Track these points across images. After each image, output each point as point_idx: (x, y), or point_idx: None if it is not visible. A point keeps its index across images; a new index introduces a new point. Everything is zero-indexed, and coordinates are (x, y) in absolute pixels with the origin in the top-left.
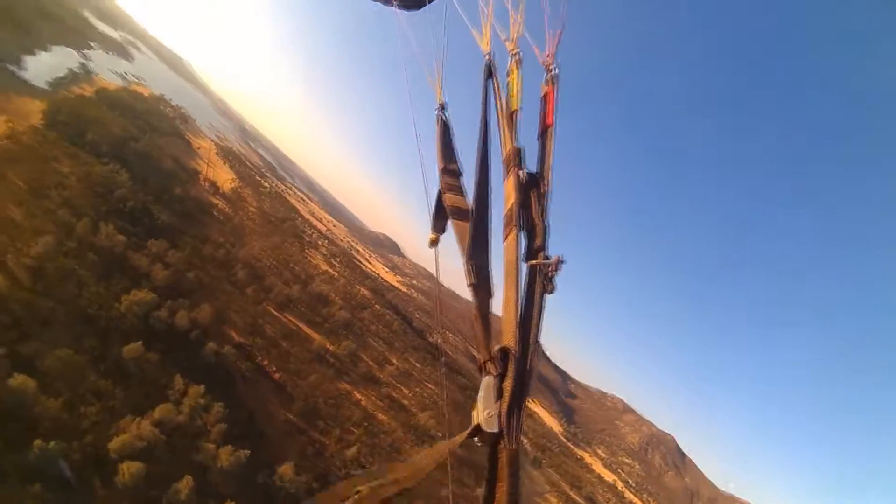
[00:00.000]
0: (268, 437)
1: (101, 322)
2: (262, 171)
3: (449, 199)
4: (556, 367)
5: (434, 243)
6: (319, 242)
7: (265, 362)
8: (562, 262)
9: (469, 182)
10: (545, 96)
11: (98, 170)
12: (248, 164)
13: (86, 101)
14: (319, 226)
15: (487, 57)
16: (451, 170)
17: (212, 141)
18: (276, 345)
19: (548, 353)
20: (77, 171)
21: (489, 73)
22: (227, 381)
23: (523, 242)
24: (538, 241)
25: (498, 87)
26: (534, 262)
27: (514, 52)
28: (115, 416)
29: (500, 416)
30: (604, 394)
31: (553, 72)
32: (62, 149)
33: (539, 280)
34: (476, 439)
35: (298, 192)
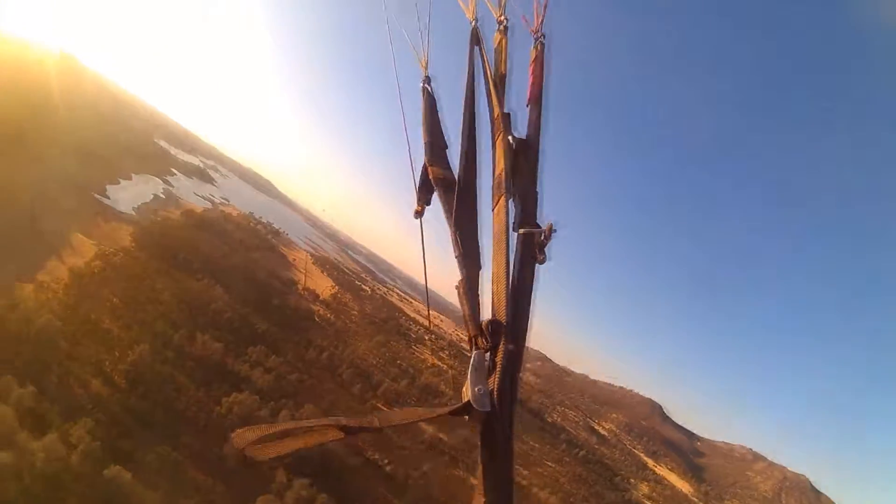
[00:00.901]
0: None
1: (201, 422)
2: (360, 275)
3: (434, 171)
4: (680, 428)
5: (419, 214)
6: (426, 337)
7: (375, 455)
8: (554, 230)
9: (455, 154)
10: (534, 62)
11: (192, 286)
12: (345, 270)
13: (174, 223)
14: (425, 321)
15: (474, 24)
16: (436, 143)
17: (306, 252)
18: (387, 438)
19: (670, 414)
20: (171, 287)
21: (476, 40)
22: (335, 474)
23: (513, 211)
24: (529, 209)
25: (484, 54)
26: (524, 230)
27: (501, 19)
28: None
29: (491, 393)
30: (730, 445)
31: (541, 39)
32: (154, 268)
33: (530, 249)
34: (467, 418)
35: (400, 293)
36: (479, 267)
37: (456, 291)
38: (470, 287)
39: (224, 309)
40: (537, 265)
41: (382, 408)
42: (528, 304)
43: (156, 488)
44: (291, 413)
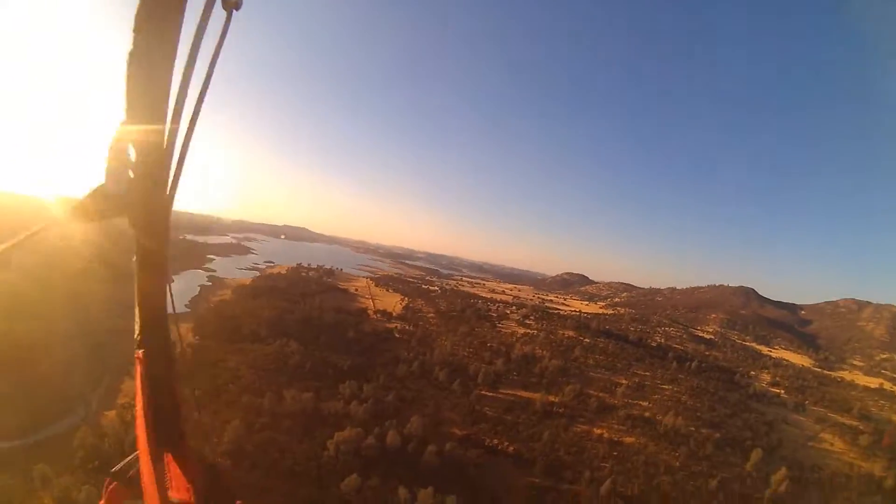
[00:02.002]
0: None
1: (313, 471)
2: (425, 279)
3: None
4: (779, 304)
5: None
6: (507, 312)
7: (495, 441)
8: None
9: None
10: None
11: (264, 351)
12: (409, 280)
13: (227, 303)
14: (503, 297)
15: None
16: None
17: (365, 278)
18: (501, 421)
19: (765, 294)
20: (245, 361)
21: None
22: (457, 473)
23: None
24: None
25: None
26: None
27: None
28: None
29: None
30: (833, 303)
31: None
32: (223, 349)
33: None
34: None
35: (469, 279)
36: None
37: None
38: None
39: (302, 361)
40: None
41: (488, 394)
42: None
43: None
44: (399, 430)
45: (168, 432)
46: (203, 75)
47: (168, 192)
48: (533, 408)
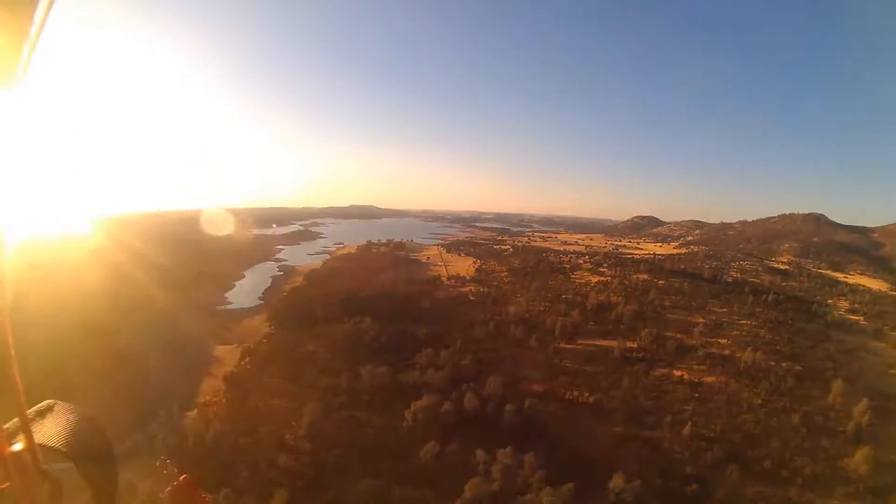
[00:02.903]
0: (596, 460)
1: (392, 444)
2: (496, 239)
3: None
4: (851, 228)
5: None
6: (580, 262)
7: (575, 394)
8: None
9: None
10: None
11: (339, 331)
12: (480, 242)
13: (300, 290)
14: (575, 248)
15: None
16: None
17: (436, 246)
18: (580, 373)
19: (836, 219)
20: (321, 343)
21: None
22: (537, 430)
23: None
24: None
25: None
26: None
27: None
28: None
29: None
30: None
31: None
32: (299, 335)
33: None
34: None
35: (541, 233)
36: None
37: None
38: None
39: (377, 336)
40: None
41: (565, 346)
42: None
43: None
44: (477, 393)
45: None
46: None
47: None
48: (611, 356)
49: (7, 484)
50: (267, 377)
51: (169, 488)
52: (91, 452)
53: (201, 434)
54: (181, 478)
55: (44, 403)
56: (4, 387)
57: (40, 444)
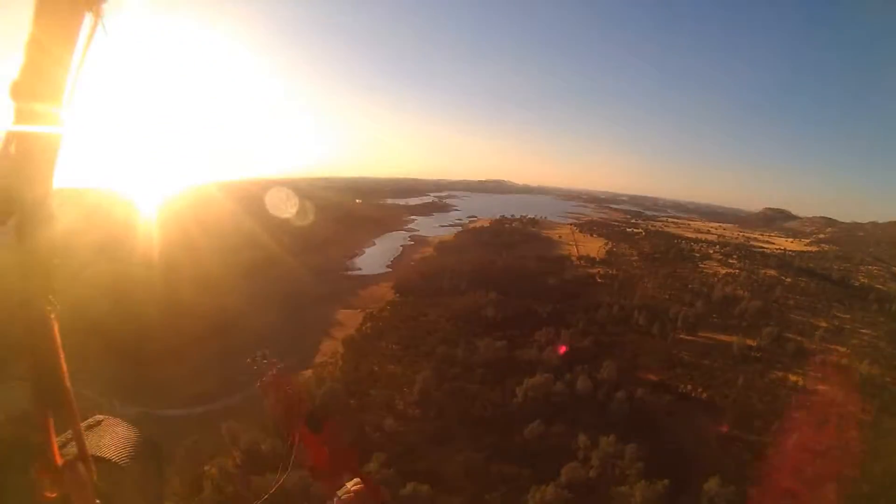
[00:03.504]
0: (697, 458)
1: (500, 419)
2: (629, 222)
3: None
4: None
5: None
6: (710, 251)
7: (688, 387)
8: None
9: None
10: None
11: (462, 303)
12: (613, 224)
13: (428, 259)
14: (706, 237)
15: None
16: None
17: (569, 225)
18: (697, 366)
19: None
20: (443, 314)
21: None
22: (645, 421)
23: None
24: None
25: None
26: None
27: None
28: (522, 493)
29: None
30: None
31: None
32: (423, 304)
33: None
34: None
35: (675, 220)
36: None
37: None
38: None
39: (500, 310)
40: None
41: (686, 337)
42: None
43: (460, 492)
44: (591, 376)
45: (53, 400)
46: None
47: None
48: (730, 352)
49: (56, 494)
50: (385, 343)
51: (263, 380)
52: (140, 465)
53: (312, 392)
54: (274, 370)
55: (92, 419)
56: (58, 400)
57: (93, 456)
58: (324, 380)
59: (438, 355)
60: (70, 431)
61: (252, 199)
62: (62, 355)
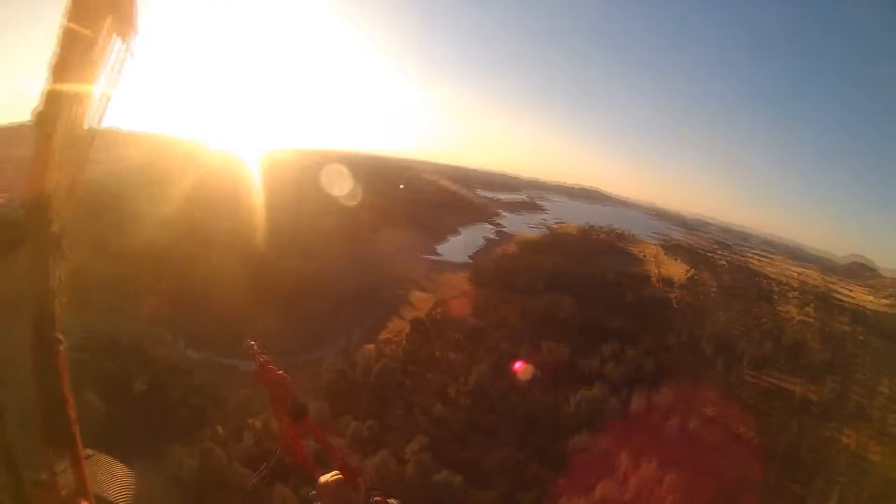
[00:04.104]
0: (738, 499)
1: (548, 422)
2: (715, 251)
3: None
4: None
5: None
6: (789, 294)
7: (741, 428)
8: None
9: None
10: None
11: (536, 303)
12: (699, 250)
13: (510, 256)
14: (788, 278)
15: None
16: None
17: (655, 244)
18: (753, 407)
19: None
20: (514, 310)
21: None
22: (693, 453)
23: None
24: None
25: None
26: None
27: None
28: (554, 499)
29: None
30: None
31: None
32: (496, 298)
33: None
34: None
35: (759, 255)
36: None
37: None
38: None
39: (571, 317)
40: None
41: (749, 376)
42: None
43: (491, 487)
44: (646, 398)
45: (57, 436)
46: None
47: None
48: (790, 399)
49: None
50: (451, 330)
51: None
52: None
53: (369, 366)
54: (260, 359)
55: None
56: (62, 436)
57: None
58: (383, 356)
59: (501, 351)
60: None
61: (342, 170)
62: (69, 390)
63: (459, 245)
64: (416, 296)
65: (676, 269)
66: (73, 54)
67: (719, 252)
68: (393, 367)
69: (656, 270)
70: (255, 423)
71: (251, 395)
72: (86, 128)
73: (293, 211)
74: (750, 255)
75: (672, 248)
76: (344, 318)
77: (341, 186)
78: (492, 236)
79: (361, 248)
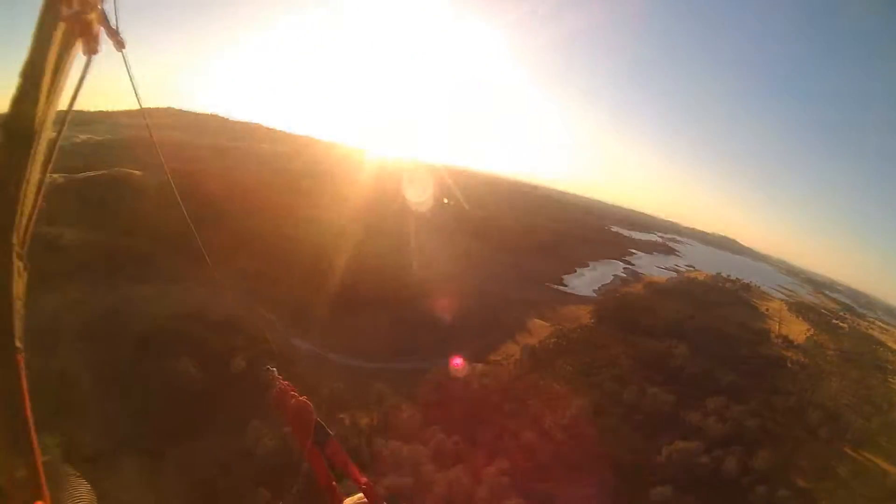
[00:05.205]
0: None
1: (634, 469)
2: (838, 314)
3: None
4: None
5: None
6: None
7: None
8: None
9: None
10: None
11: (651, 347)
12: (822, 311)
13: (635, 296)
14: None
15: None
16: None
17: (780, 300)
18: (846, 486)
19: None
20: (628, 351)
21: None
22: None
23: None
24: None
25: None
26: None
27: None
28: None
29: None
30: None
31: None
32: (613, 337)
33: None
34: None
35: (883, 324)
36: None
37: None
38: None
39: (684, 364)
40: None
41: (849, 451)
42: None
43: None
44: (741, 460)
45: (15, 444)
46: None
47: None
48: (883, 482)
49: None
50: (561, 362)
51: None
52: None
53: (469, 383)
54: (278, 384)
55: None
56: (21, 444)
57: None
58: (487, 376)
59: (605, 389)
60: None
61: (482, 191)
62: (27, 399)
63: (587, 278)
64: (535, 322)
65: (797, 328)
66: (44, 67)
67: (842, 315)
68: (494, 388)
69: (777, 327)
70: (345, 419)
71: (345, 389)
72: (51, 136)
73: (427, 223)
74: (872, 321)
75: (796, 306)
76: (460, 334)
77: (480, 206)
78: (621, 274)
79: (491, 268)
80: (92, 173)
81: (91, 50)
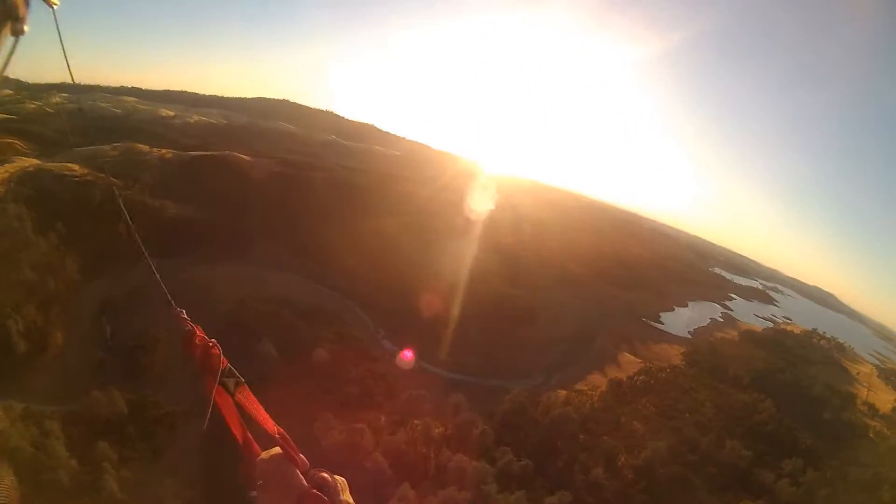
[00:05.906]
0: None
1: None
2: None
3: None
4: None
5: None
6: None
7: None
8: None
9: None
10: None
11: (738, 398)
12: None
13: (728, 342)
14: None
15: None
16: None
17: (872, 364)
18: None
19: None
20: (713, 398)
21: None
22: None
23: None
24: None
25: None
26: None
27: None
28: None
29: None
30: None
31: None
32: (700, 382)
33: None
34: None
35: None
36: None
37: None
38: None
39: (767, 420)
40: None
41: None
42: None
43: None
44: None
45: None
46: None
47: None
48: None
49: None
50: (645, 401)
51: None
52: None
53: (547, 410)
54: (187, 325)
55: None
56: None
57: None
58: (568, 405)
59: (684, 435)
60: None
61: (593, 217)
62: None
63: (684, 318)
64: (626, 357)
65: (885, 397)
66: None
67: None
68: (573, 418)
69: (865, 393)
70: (418, 424)
71: (424, 396)
72: None
73: (533, 245)
74: None
75: (887, 373)
76: (550, 359)
77: (590, 233)
78: (718, 317)
79: (592, 297)
80: (201, 153)
81: (18, 31)
